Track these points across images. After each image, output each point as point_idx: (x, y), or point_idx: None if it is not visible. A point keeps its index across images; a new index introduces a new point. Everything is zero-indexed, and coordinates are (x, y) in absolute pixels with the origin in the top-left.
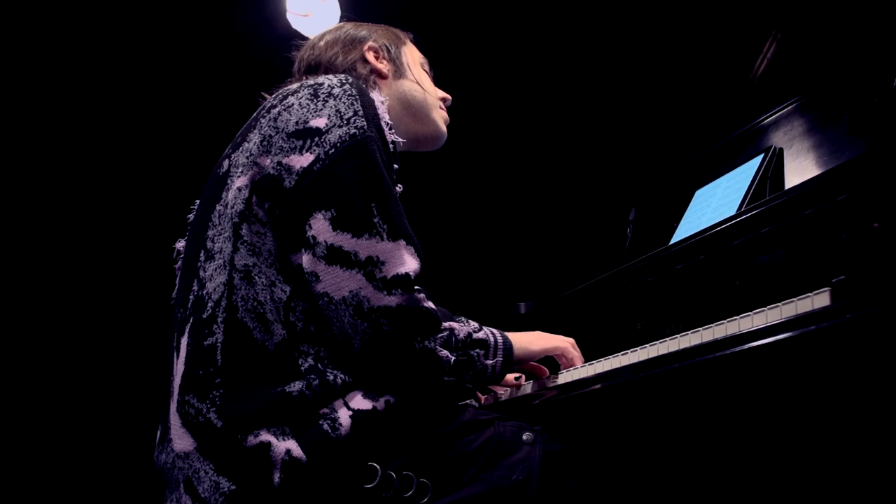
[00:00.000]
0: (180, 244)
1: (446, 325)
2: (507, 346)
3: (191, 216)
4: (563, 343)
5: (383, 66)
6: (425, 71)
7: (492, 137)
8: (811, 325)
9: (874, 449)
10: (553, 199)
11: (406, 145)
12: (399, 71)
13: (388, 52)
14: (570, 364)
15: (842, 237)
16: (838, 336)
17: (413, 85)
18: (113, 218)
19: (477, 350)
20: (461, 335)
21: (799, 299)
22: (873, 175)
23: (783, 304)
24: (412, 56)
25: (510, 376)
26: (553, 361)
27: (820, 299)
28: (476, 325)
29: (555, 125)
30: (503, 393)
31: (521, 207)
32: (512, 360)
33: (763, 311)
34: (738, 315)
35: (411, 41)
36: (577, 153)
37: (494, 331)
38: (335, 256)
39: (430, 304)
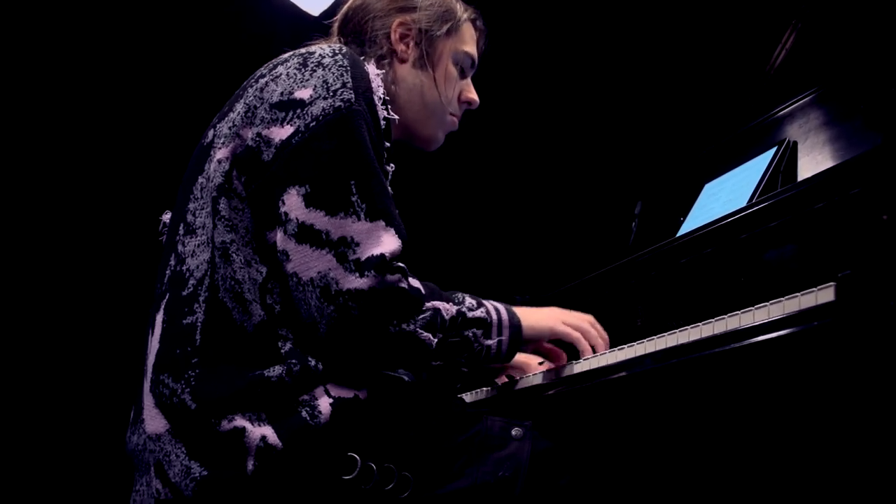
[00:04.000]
0: (167, 216)
1: (429, 304)
2: (514, 322)
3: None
4: (578, 328)
5: (404, 50)
6: (462, 67)
7: (496, 126)
8: (814, 320)
9: (876, 446)
10: (558, 191)
11: (398, 133)
12: (422, 62)
13: (422, 36)
14: (586, 350)
15: (849, 231)
16: (842, 333)
17: (429, 83)
18: (93, 191)
19: (473, 330)
20: (449, 314)
21: (802, 294)
22: (888, 169)
23: (786, 300)
24: (453, 47)
25: (533, 360)
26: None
27: (824, 294)
28: (473, 301)
29: (561, 115)
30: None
31: (526, 200)
32: (521, 338)
33: (765, 306)
34: (739, 310)
35: (472, 23)
36: (583, 144)
37: (500, 306)
38: (306, 235)
39: (411, 283)
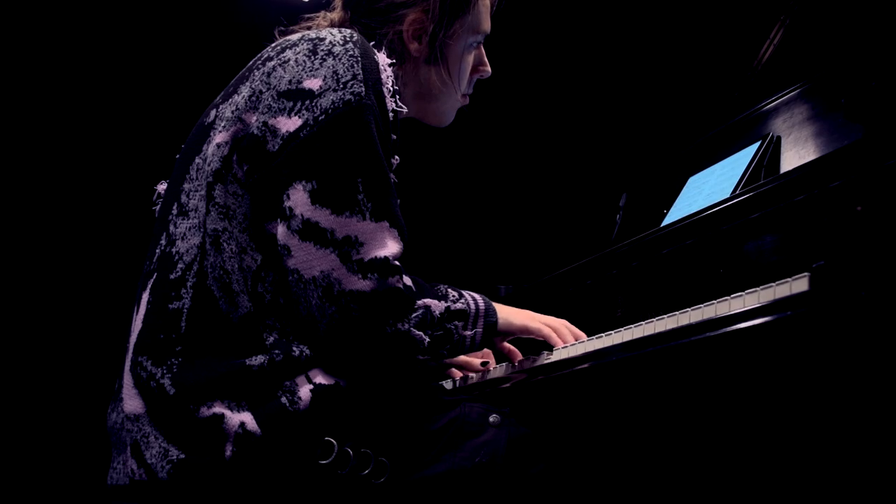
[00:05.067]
0: (161, 186)
1: (421, 303)
2: (490, 313)
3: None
4: (549, 327)
5: (414, 48)
6: (474, 49)
7: (486, 118)
8: (788, 310)
9: (849, 432)
10: (544, 183)
11: (410, 115)
12: (433, 58)
13: (437, 34)
14: (558, 343)
15: (828, 223)
16: (815, 322)
17: (444, 77)
18: (86, 165)
19: (455, 322)
20: (438, 311)
21: (777, 284)
22: (868, 162)
23: (761, 289)
24: (467, 34)
25: (475, 360)
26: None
27: (798, 284)
28: (455, 293)
29: (550, 108)
30: (473, 376)
31: (512, 190)
32: (495, 330)
33: (741, 295)
34: (716, 300)
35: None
36: (570, 137)
37: (478, 298)
38: (310, 232)
39: (406, 282)
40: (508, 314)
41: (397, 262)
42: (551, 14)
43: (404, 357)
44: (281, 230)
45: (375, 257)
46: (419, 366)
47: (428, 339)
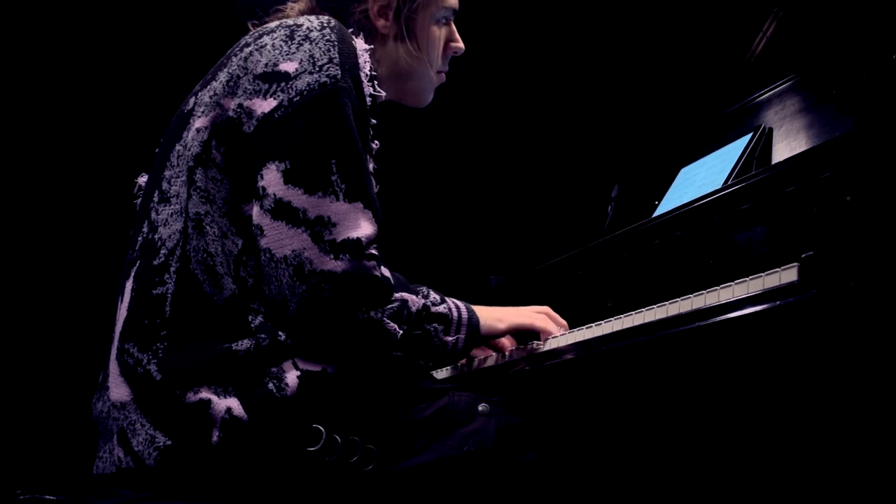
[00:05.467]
0: (142, 179)
1: (398, 295)
2: (473, 322)
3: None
4: (536, 318)
5: (384, 26)
6: (445, 19)
7: (475, 107)
8: (777, 300)
9: (837, 421)
10: (537, 174)
11: (389, 97)
12: (401, 34)
13: (401, 9)
14: (546, 332)
15: (818, 214)
16: (804, 312)
17: (414, 53)
18: (69, 153)
19: (434, 325)
20: (416, 307)
21: (767, 274)
22: (858, 153)
23: (750, 280)
24: (434, 8)
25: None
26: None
27: (788, 274)
28: (437, 296)
29: (544, 99)
30: (464, 365)
31: (504, 182)
32: (478, 336)
33: (730, 285)
34: (705, 290)
35: None
36: (561, 127)
37: (461, 304)
38: (282, 212)
39: (383, 272)
40: (491, 317)
41: (373, 250)
42: (543, 3)
43: (377, 348)
44: (255, 210)
45: (348, 238)
46: (395, 362)
47: (402, 333)
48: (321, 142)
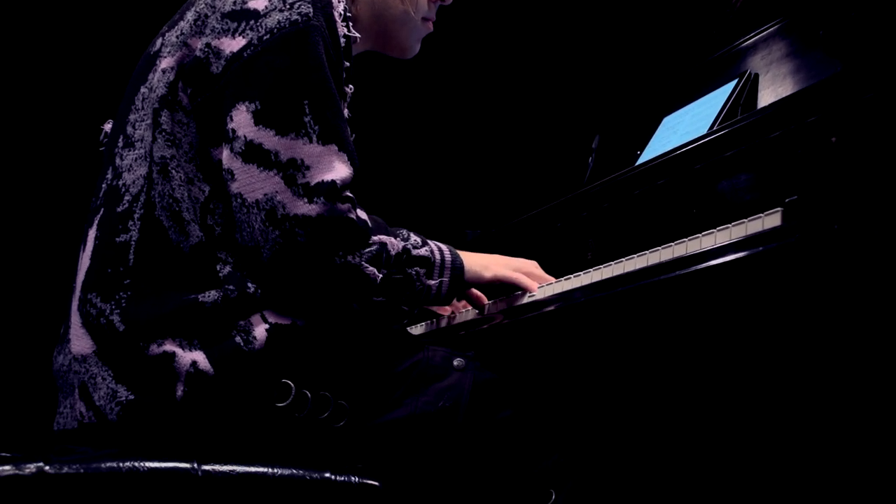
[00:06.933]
0: (108, 126)
1: (377, 238)
2: (457, 265)
3: None
4: (521, 278)
5: None
6: None
7: (451, 56)
8: (759, 245)
9: (818, 371)
10: (514, 124)
11: (370, 47)
12: None
13: None
14: (531, 288)
15: (804, 158)
16: (787, 257)
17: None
18: (33, 98)
19: (416, 268)
20: (395, 250)
21: (750, 220)
22: (846, 95)
23: (733, 226)
24: None
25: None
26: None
27: (771, 220)
28: (418, 239)
29: (517, 44)
30: (441, 321)
31: (480, 132)
32: (462, 281)
33: (712, 232)
34: (687, 238)
35: None
36: (539, 76)
37: (444, 247)
38: (253, 154)
39: (360, 214)
40: (477, 263)
41: (348, 193)
42: None
43: (356, 294)
44: (224, 154)
45: (322, 181)
46: (375, 308)
47: (382, 277)
48: (293, 82)
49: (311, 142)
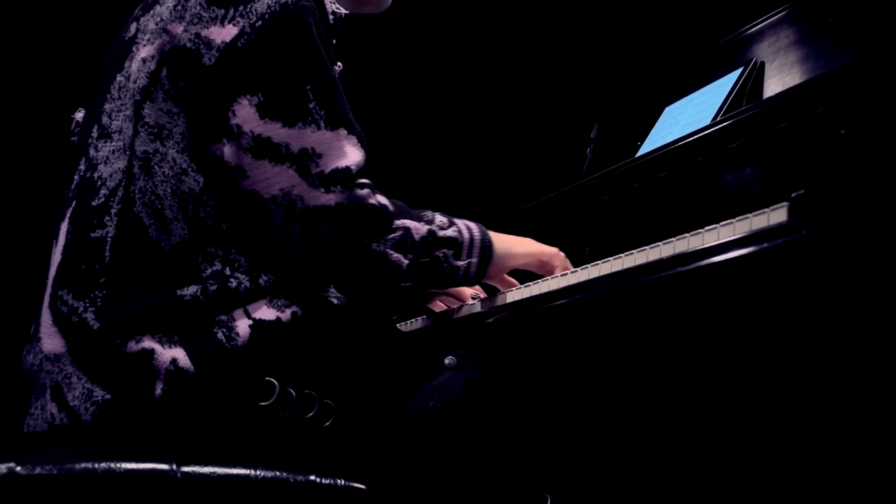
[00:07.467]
0: (80, 115)
1: (399, 223)
2: (486, 243)
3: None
4: (548, 256)
5: None
6: None
7: (449, 46)
8: (764, 241)
9: (824, 367)
10: (512, 114)
11: (346, 8)
12: None
13: None
14: None
15: (811, 150)
16: (794, 254)
17: None
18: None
19: (444, 250)
20: (420, 234)
21: (755, 215)
22: (857, 85)
23: (737, 221)
24: None
25: (468, 290)
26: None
27: (776, 215)
28: (445, 220)
29: (515, 32)
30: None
31: (474, 123)
32: (491, 260)
33: (715, 227)
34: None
35: None
36: (538, 64)
37: (473, 226)
38: (263, 149)
39: (380, 199)
40: (509, 243)
41: (364, 177)
42: None
43: (382, 281)
44: (228, 150)
45: (337, 168)
46: (402, 293)
47: (408, 262)
48: (293, 68)
49: (319, 128)
